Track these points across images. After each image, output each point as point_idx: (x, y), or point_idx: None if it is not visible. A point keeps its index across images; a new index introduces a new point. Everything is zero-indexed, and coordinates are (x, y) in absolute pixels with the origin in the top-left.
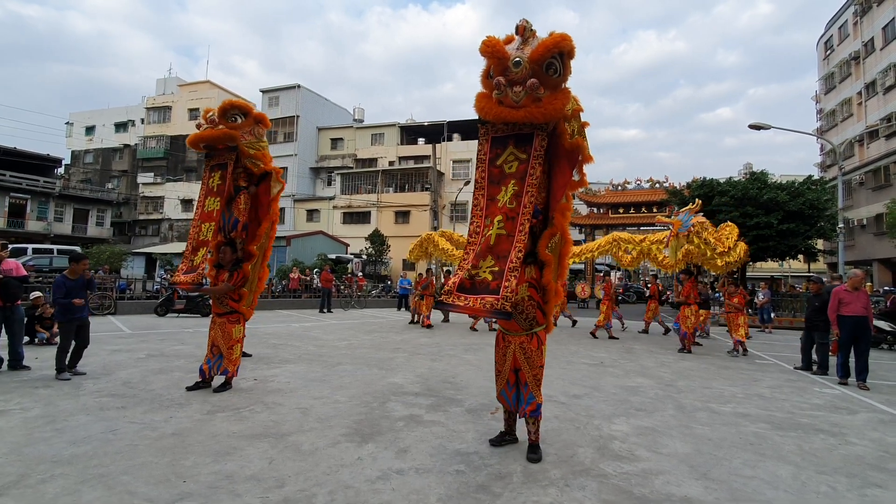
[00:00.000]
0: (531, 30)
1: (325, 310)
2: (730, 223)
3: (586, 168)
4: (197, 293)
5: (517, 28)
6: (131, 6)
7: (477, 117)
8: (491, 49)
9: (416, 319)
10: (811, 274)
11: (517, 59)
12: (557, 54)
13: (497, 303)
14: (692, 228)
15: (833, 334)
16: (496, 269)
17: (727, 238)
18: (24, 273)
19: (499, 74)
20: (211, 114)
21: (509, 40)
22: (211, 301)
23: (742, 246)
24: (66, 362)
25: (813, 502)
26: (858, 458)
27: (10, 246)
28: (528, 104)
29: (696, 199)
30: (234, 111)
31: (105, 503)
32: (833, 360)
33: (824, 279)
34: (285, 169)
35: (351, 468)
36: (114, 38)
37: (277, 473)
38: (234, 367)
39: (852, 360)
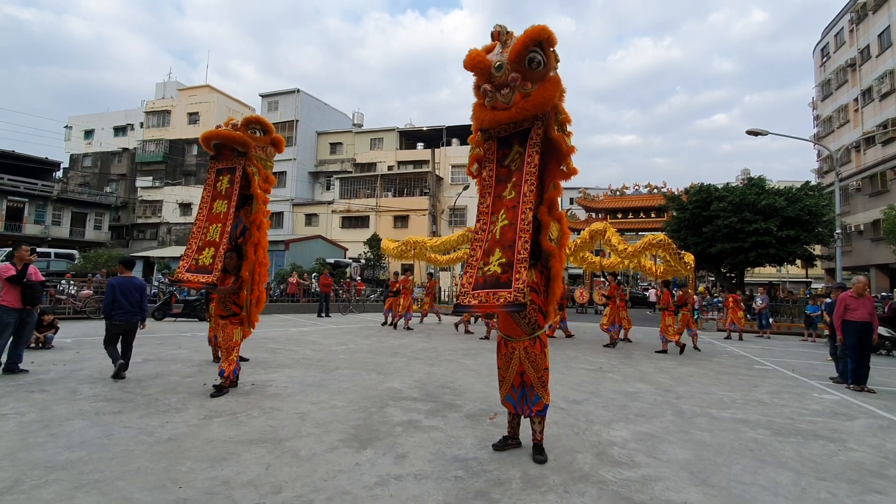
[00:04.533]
0: (507, 32)
1: (324, 314)
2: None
3: (575, 162)
4: (194, 298)
5: (492, 35)
6: (129, 10)
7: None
8: (473, 61)
9: (387, 321)
10: (809, 279)
11: (498, 63)
12: (536, 46)
13: (510, 295)
14: None
15: (838, 340)
16: (503, 260)
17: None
18: (42, 278)
19: (485, 82)
20: (234, 122)
21: (491, 48)
22: (214, 305)
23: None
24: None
25: None
26: (858, 463)
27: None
28: (517, 101)
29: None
30: (257, 125)
31: None
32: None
33: (846, 284)
34: (284, 173)
35: (349, 474)
36: (111, 41)
37: (274, 479)
38: (230, 368)
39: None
